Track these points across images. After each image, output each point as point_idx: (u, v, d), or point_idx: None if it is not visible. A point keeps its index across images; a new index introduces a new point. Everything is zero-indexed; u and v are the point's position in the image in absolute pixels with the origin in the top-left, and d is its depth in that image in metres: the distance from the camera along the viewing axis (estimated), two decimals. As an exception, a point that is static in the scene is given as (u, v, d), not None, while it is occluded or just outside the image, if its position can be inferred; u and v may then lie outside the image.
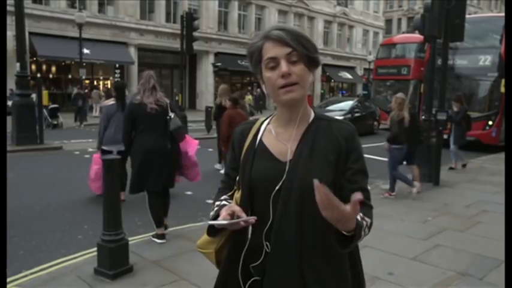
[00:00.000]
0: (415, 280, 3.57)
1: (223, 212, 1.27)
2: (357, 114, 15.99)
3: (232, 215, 1.26)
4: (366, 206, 1.30)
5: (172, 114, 4.41)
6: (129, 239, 3.79)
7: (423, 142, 7.40)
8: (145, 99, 4.23)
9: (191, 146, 4.93)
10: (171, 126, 4.36)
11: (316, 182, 1.06)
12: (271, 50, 1.29)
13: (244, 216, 1.26)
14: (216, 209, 1.39)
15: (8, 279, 3.49)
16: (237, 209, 1.28)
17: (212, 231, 1.38)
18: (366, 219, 1.27)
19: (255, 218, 1.27)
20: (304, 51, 1.29)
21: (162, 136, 4.30)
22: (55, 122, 16.28)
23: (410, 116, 6.54)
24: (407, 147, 6.59)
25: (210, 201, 5.46)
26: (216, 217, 1.33)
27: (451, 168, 9.08)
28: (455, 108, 9.26)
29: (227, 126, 6.56)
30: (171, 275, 3.53)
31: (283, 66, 1.27)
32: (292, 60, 1.28)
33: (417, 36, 15.73)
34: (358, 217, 1.21)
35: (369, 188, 1.39)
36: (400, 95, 6.97)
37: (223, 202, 1.41)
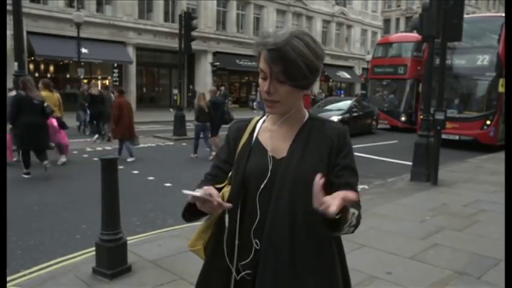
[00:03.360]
0: (413, 279, 3.57)
1: (201, 191, 1.26)
2: (354, 114, 16.00)
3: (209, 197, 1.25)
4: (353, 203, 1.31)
5: (46, 103, 7.54)
6: (128, 238, 3.79)
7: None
8: (31, 94, 7.25)
9: (53, 121, 8.24)
10: (47, 110, 7.46)
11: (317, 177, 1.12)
12: (262, 63, 1.31)
13: (219, 200, 1.25)
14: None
15: (7, 279, 3.48)
16: (215, 192, 1.27)
17: (187, 213, 1.39)
18: (353, 209, 1.26)
19: (230, 205, 1.29)
20: (291, 77, 1.28)
21: (37, 116, 7.24)
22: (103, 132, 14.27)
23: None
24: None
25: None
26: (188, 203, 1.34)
27: None
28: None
29: (118, 109, 9.22)
30: (169, 275, 3.53)
31: (266, 85, 1.31)
32: (280, 79, 1.29)
33: (414, 35, 15.74)
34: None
35: (358, 187, 1.39)
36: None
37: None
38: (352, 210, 1.25)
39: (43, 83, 9.31)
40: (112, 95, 12.89)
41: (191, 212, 1.38)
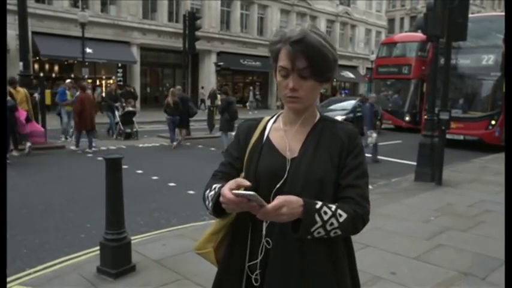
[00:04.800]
0: (418, 280, 3.56)
1: (231, 183, 1.21)
2: (358, 114, 15.93)
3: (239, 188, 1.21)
4: (348, 201, 1.30)
5: (9, 99, 8.74)
6: (132, 238, 3.81)
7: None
8: None
9: (21, 114, 9.22)
10: (8, 103, 8.42)
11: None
12: (284, 60, 1.30)
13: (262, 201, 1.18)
14: (216, 188, 1.32)
15: (11, 278, 3.50)
16: (246, 182, 1.22)
17: (218, 210, 1.31)
18: (332, 209, 1.24)
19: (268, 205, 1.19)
20: (316, 71, 1.29)
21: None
22: (128, 130, 12.88)
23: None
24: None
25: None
26: (218, 197, 1.26)
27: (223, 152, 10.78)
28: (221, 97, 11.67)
29: (80, 104, 10.35)
30: (173, 274, 3.54)
31: (291, 82, 1.30)
32: (303, 75, 1.30)
33: (418, 35, 15.67)
34: (317, 205, 1.22)
35: (362, 184, 1.35)
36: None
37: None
38: (325, 209, 1.22)
39: (8, 81, 10.01)
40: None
41: (217, 210, 1.32)
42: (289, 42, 1.29)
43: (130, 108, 13.40)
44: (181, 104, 11.60)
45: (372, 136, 9.89)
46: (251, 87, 29.80)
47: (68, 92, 12.84)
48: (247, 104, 28.00)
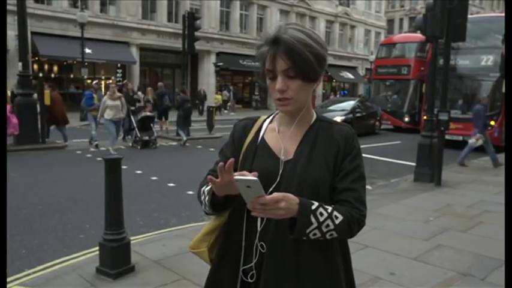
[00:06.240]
0: (417, 280, 3.57)
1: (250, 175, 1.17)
2: (358, 114, 15.97)
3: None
4: (345, 205, 1.30)
5: None
6: (131, 238, 3.80)
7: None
8: None
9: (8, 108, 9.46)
10: None
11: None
12: (269, 62, 1.28)
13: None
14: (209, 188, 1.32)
15: (11, 278, 3.50)
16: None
17: (215, 204, 1.32)
18: (328, 211, 1.23)
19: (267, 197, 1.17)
20: (299, 70, 1.26)
21: None
22: (146, 138, 11.41)
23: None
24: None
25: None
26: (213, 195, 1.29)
27: (185, 142, 12.07)
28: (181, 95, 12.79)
29: (52, 101, 11.07)
30: (172, 275, 3.54)
31: (279, 83, 1.27)
32: (290, 75, 1.27)
33: (417, 36, 15.72)
34: (313, 206, 1.22)
35: (359, 187, 1.34)
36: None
37: None
38: (321, 210, 1.22)
39: None
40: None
41: (215, 206, 1.33)
42: (267, 43, 1.27)
43: (148, 113, 11.99)
44: (158, 98, 13.50)
45: (478, 140, 9.40)
46: (230, 87, 29.73)
47: (95, 96, 11.97)
48: (229, 104, 27.90)
